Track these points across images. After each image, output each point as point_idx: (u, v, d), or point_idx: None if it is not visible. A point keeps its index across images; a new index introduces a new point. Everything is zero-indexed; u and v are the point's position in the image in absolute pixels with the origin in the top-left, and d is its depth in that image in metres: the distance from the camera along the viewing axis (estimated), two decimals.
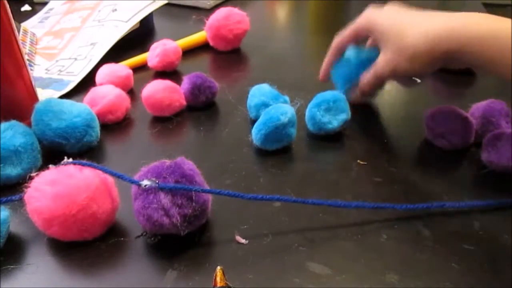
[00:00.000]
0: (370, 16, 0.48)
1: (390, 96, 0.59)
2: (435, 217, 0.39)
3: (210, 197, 0.37)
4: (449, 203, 0.39)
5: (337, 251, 0.36)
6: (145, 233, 0.37)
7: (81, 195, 0.35)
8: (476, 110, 0.48)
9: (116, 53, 0.66)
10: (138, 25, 0.72)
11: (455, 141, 0.46)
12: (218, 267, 0.33)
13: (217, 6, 0.85)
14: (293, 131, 0.47)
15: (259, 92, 0.51)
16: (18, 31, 0.56)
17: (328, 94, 0.49)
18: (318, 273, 0.34)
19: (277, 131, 0.46)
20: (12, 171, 0.42)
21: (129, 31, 0.70)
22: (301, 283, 0.33)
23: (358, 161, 0.46)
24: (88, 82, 0.59)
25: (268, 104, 0.50)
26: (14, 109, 0.48)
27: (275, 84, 0.53)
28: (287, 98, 0.52)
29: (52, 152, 0.46)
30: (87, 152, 0.48)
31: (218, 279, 0.32)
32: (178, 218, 0.34)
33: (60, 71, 0.64)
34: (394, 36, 0.44)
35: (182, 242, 0.36)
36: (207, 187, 0.37)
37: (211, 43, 0.71)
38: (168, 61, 0.63)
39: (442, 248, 0.36)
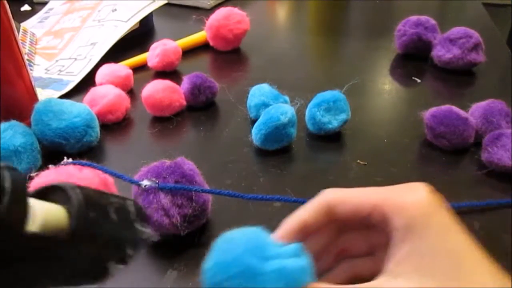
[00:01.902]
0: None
1: (390, 96, 0.59)
2: None
3: (210, 197, 0.37)
4: (449, 203, 0.39)
5: None
6: None
7: None
8: (476, 110, 0.48)
9: (116, 53, 0.66)
10: (138, 25, 0.72)
11: (455, 141, 0.46)
12: None
13: (217, 6, 0.85)
14: (293, 131, 0.47)
15: (259, 92, 0.51)
16: (18, 31, 0.56)
17: (328, 94, 0.49)
18: None
19: (277, 131, 0.46)
20: None
21: (129, 31, 0.70)
22: None
23: (358, 161, 0.46)
24: (88, 82, 0.59)
25: (268, 104, 0.50)
26: (14, 109, 0.47)
27: (275, 84, 0.53)
28: (287, 98, 0.52)
29: (52, 152, 0.46)
30: (87, 152, 0.48)
31: None
32: (178, 218, 0.34)
33: (60, 71, 0.64)
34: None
35: (182, 242, 0.36)
36: (207, 187, 0.37)
37: (211, 43, 0.71)
38: (168, 61, 0.63)
39: None
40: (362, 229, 0.30)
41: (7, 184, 0.17)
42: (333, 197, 0.28)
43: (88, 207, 0.21)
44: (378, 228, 0.27)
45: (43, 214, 0.19)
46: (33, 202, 0.19)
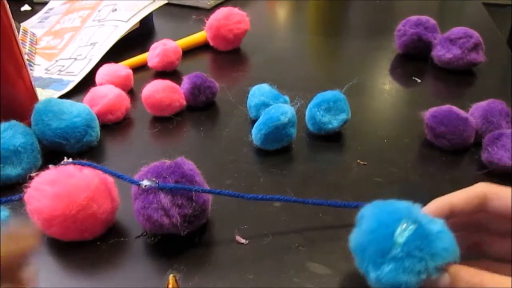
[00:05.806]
0: None
1: (390, 96, 0.59)
2: None
3: (210, 197, 0.37)
4: None
5: (337, 251, 0.36)
6: (145, 233, 0.37)
7: (81, 195, 0.35)
8: (476, 110, 0.48)
9: (116, 53, 0.66)
10: (138, 25, 0.72)
11: (455, 141, 0.46)
12: (171, 275, 0.33)
13: (217, 6, 0.85)
14: (293, 131, 0.47)
15: (259, 92, 0.51)
16: (18, 31, 0.56)
17: (328, 94, 0.49)
18: (318, 273, 0.34)
19: (277, 131, 0.46)
20: (12, 171, 0.42)
21: (129, 31, 0.70)
22: (301, 283, 0.33)
23: (358, 161, 0.46)
24: (88, 82, 0.59)
25: (268, 104, 0.50)
26: (14, 109, 0.47)
27: (275, 84, 0.53)
28: (287, 98, 0.52)
29: (52, 152, 0.46)
30: (87, 152, 0.48)
31: (170, 286, 0.32)
32: (178, 218, 0.34)
33: (60, 71, 0.64)
34: None
35: (182, 242, 0.36)
36: (207, 187, 0.37)
37: (211, 43, 0.71)
38: (168, 61, 0.63)
39: None
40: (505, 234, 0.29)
41: None
42: (489, 190, 0.28)
43: None
44: None
45: None
46: None
